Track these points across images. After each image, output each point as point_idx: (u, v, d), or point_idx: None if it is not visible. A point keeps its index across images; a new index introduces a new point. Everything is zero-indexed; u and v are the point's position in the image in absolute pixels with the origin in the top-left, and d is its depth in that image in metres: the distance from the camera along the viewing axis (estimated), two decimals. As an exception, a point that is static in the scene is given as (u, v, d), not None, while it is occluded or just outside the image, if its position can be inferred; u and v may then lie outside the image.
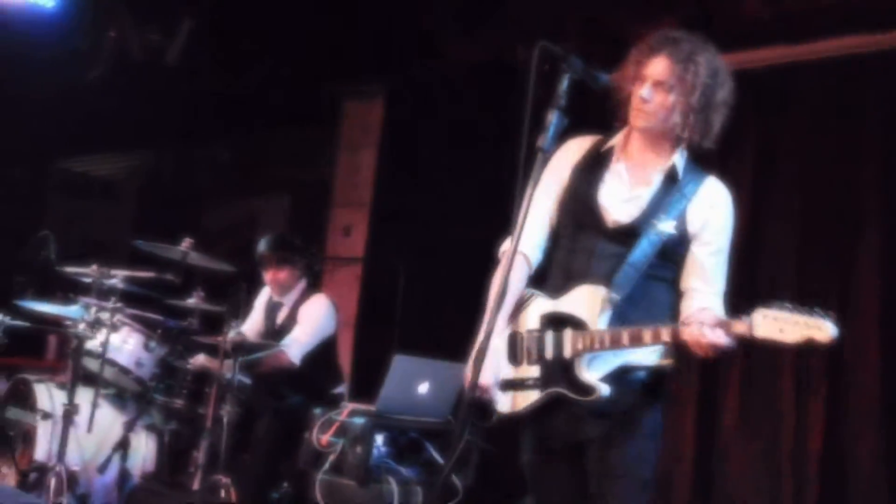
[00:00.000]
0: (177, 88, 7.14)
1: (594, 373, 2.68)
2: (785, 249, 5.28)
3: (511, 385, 2.82)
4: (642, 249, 2.69)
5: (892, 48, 4.93)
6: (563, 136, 2.69)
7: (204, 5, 6.55)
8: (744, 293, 5.21)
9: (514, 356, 2.83)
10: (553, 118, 2.59)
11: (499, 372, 2.82)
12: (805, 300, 5.08)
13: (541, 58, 2.58)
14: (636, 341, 2.61)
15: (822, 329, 2.38)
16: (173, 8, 6.56)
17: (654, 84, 2.70)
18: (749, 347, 5.18)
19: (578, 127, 2.85)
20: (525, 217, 2.58)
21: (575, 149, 2.92)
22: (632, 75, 2.75)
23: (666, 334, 2.57)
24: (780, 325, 2.41)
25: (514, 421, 2.86)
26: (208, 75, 7.07)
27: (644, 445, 2.76)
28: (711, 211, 2.76)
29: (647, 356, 2.74)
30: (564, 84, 2.62)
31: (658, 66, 2.71)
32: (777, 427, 5.14)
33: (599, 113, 2.89)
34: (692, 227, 2.73)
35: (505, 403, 2.82)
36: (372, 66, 6.77)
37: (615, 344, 2.64)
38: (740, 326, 2.47)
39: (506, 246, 2.64)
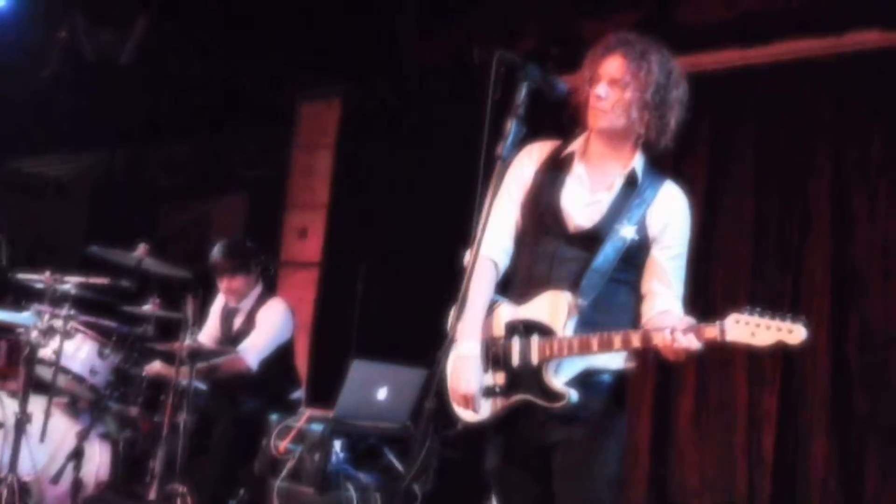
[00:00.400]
0: (131, 88, 7.06)
1: (561, 377, 2.69)
2: (738, 252, 5.35)
3: (478, 393, 2.80)
4: (605, 255, 2.70)
5: (844, 51, 5.01)
6: (521, 144, 2.68)
7: (159, 5, 6.49)
8: (699, 295, 5.33)
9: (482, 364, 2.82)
10: (512, 127, 2.59)
11: (479, 380, 2.79)
12: (757, 302, 5.19)
13: (498, 66, 2.57)
14: (606, 347, 2.62)
15: (794, 332, 2.42)
16: (127, 7, 6.50)
17: (610, 82, 2.73)
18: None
19: (536, 135, 2.88)
20: (486, 224, 2.58)
21: (536, 153, 2.92)
22: (587, 77, 2.77)
23: (636, 340, 2.58)
24: (751, 329, 2.44)
25: (479, 429, 2.85)
26: (164, 75, 7.00)
27: (609, 447, 2.77)
28: (671, 215, 2.78)
29: (612, 360, 2.75)
30: (523, 93, 2.62)
31: (612, 65, 2.74)
32: (731, 424, 5.20)
33: (557, 120, 2.89)
34: (652, 232, 2.75)
35: (468, 411, 2.81)
36: (329, 68, 6.75)
37: (584, 350, 2.64)
38: (712, 331, 2.48)
39: (469, 255, 2.62)
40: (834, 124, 5.12)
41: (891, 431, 4.68)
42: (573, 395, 2.66)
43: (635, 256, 2.75)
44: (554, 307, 2.72)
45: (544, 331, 2.72)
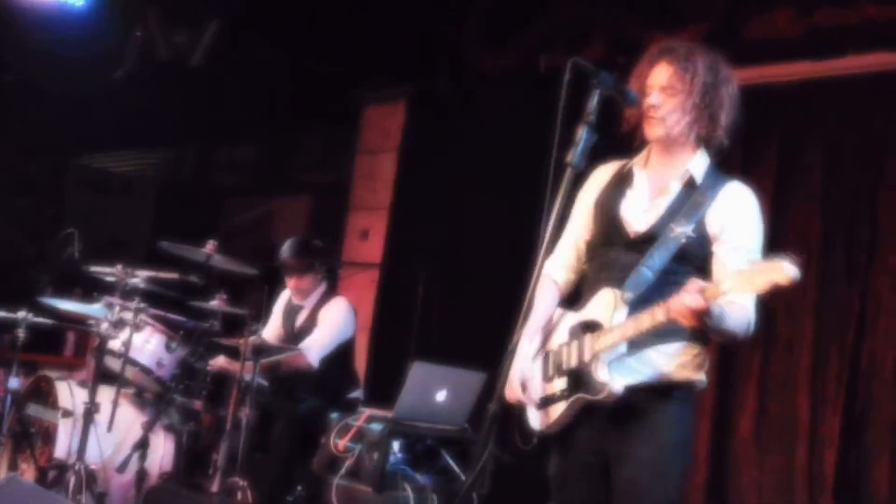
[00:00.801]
0: (200, 88, 7.16)
1: (619, 378, 2.67)
2: (804, 268, 5.26)
3: (544, 402, 2.84)
4: (658, 252, 2.70)
5: None
6: (591, 150, 2.65)
7: (230, 8, 6.58)
8: (761, 313, 5.26)
9: (546, 373, 2.85)
10: (583, 133, 2.59)
11: (535, 391, 2.84)
12: (822, 322, 5.11)
13: (571, 72, 2.58)
14: (639, 327, 2.61)
15: (780, 269, 2.36)
16: (200, 10, 6.59)
17: (661, 90, 2.75)
18: (765, 361, 5.27)
19: (608, 143, 2.89)
20: (553, 234, 2.59)
21: (602, 175, 2.97)
22: (639, 90, 2.78)
23: (660, 313, 2.55)
24: (746, 277, 2.41)
25: (548, 437, 2.86)
26: (232, 77, 7.09)
27: (667, 461, 2.73)
28: (731, 211, 2.75)
29: (679, 370, 2.74)
30: (594, 100, 2.62)
31: (660, 74, 2.77)
32: (792, 441, 5.14)
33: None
34: (711, 230, 2.73)
35: (539, 420, 2.84)
36: (394, 72, 6.78)
37: (623, 335, 2.64)
38: (712, 287, 2.46)
39: (538, 264, 2.64)
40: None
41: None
42: (616, 385, 2.64)
43: (693, 255, 2.72)
44: (604, 303, 2.75)
45: (595, 327, 2.74)
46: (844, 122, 5.23)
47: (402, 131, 7.05)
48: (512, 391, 2.81)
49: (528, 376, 2.83)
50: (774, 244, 5.17)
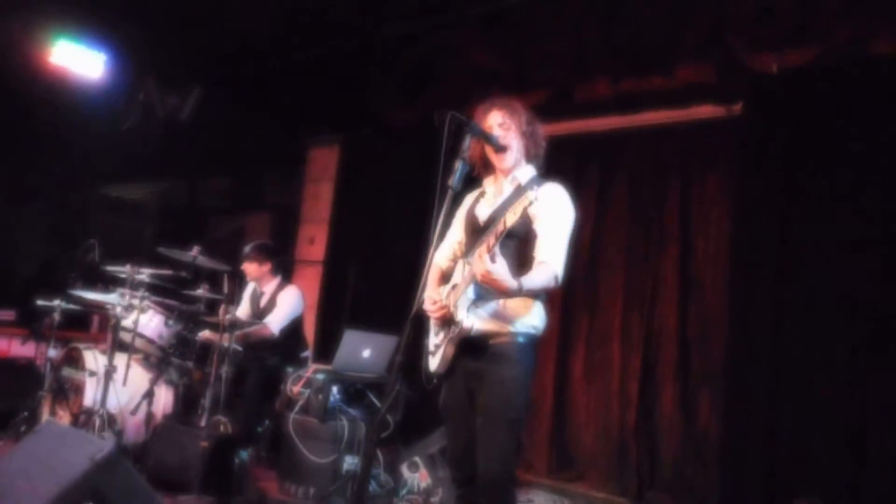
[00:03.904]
0: (189, 137, 7.03)
1: (472, 318, 2.65)
2: (615, 260, 5.40)
3: (435, 350, 2.84)
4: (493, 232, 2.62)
5: (690, 120, 5.05)
6: (466, 177, 2.69)
7: (210, 78, 6.48)
8: (589, 292, 5.40)
9: (435, 329, 2.85)
10: (459, 165, 2.63)
11: (430, 343, 2.83)
12: (629, 294, 5.23)
13: (450, 123, 2.63)
14: (467, 281, 2.62)
15: (477, 261, 2.44)
16: (187, 79, 6.47)
17: (499, 126, 2.81)
18: (591, 322, 5.40)
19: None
20: (439, 236, 2.61)
21: (469, 198, 3.00)
22: (480, 135, 2.77)
23: (475, 275, 2.52)
24: (481, 262, 2.44)
25: (440, 377, 2.84)
26: (213, 128, 6.98)
27: (512, 390, 2.68)
28: (545, 200, 2.64)
29: (519, 320, 2.70)
30: (467, 141, 2.68)
31: (494, 117, 2.83)
32: (609, 376, 5.27)
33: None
34: (531, 211, 2.59)
35: (433, 365, 2.83)
36: (331, 124, 6.75)
37: (465, 286, 2.63)
38: (476, 258, 2.49)
39: (429, 258, 2.66)
40: (680, 168, 5.18)
41: (711, 379, 4.78)
42: (468, 322, 2.63)
43: (517, 232, 2.64)
44: (459, 270, 2.78)
45: (455, 287, 2.74)
46: (641, 156, 5.36)
47: (336, 166, 7.02)
48: (429, 302, 2.75)
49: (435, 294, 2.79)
50: (598, 241, 5.36)
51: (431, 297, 2.77)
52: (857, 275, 4.17)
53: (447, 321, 2.73)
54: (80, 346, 4.87)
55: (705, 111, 4.94)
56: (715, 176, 4.97)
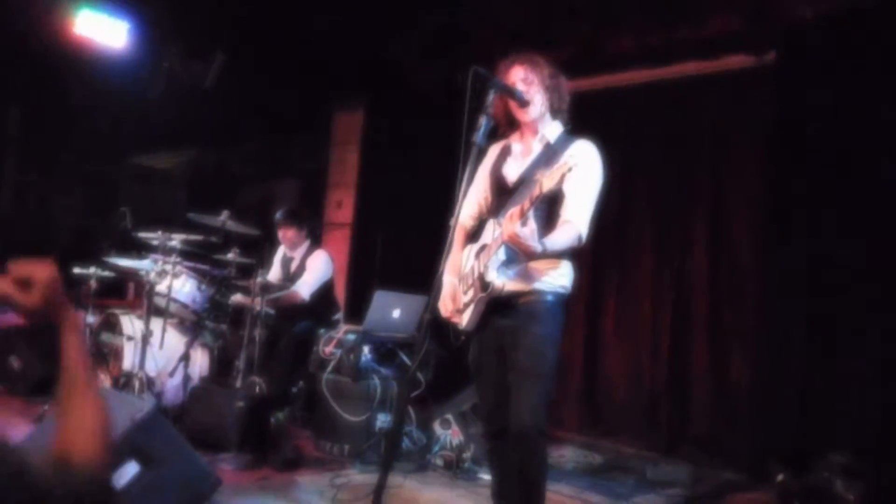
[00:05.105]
0: (215, 104, 7.04)
1: (503, 279, 2.66)
2: (645, 216, 5.35)
3: (464, 308, 2.84)
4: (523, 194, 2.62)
5: (721, 71, 4.92)
6: (490, 133, 2.65)
7: (234, 45, 6.46)
8: (618, 248, 5.37)
9: (463, 288, 2.85)
10: (483, 121, 2.59)
11: (459, 302, 2.84)
12: (657, 245, 5.18)
13: (473, 78, 2.59)
14: (498, 242, 2.61)
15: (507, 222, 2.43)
16: (211, 45, 6.46)
17: (521, 82, 2.76)
18: (621, 280, 5.37)
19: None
20: (464, 195, 2.59)
21: (493, 151, 2.96)
22: (503, 92, 2.73)
23: (503, 236, 2.51)
24: (511, 224, 2.43)
25: (469, 334, 2.86)
26: (239, 95, 6.99)
27: (543, 347, 2.69)
28: (578, 160, 2.53)
29: (548, 279, 2.71)
30: (490, 97, 2.63)
31: (517, 73, 2.78)
32: (639, 333, 5.26)
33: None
34: (565, 175, 2.51)
35: (462, 323, 2.84)
36: (356, 88, 6.72)
37: (496, 246, 2.63)
38: (506, 219, 2.49)
39: (454, 217, 2.65)
40: (711, 121, 5.05)
41: (743, 336, 4.73)
42: (498, 282, 2.64)
43: (551, 193, 2.56)
44: (489, 231, 2.78)
45: (484, 247, 2.75)
46: (670, 110, 5.26)
47: (362, 130, 7.01)
48: (443, 306, 2.86)
49: (448, 297, 2.85)
50: (627, 197, 5.30)
51: (444, 299, 2.81)
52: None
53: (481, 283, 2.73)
54: (118, 311, 4.97)
55: (737, 62, 4.82)
56: (747, 129, 4.87)
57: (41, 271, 1.24)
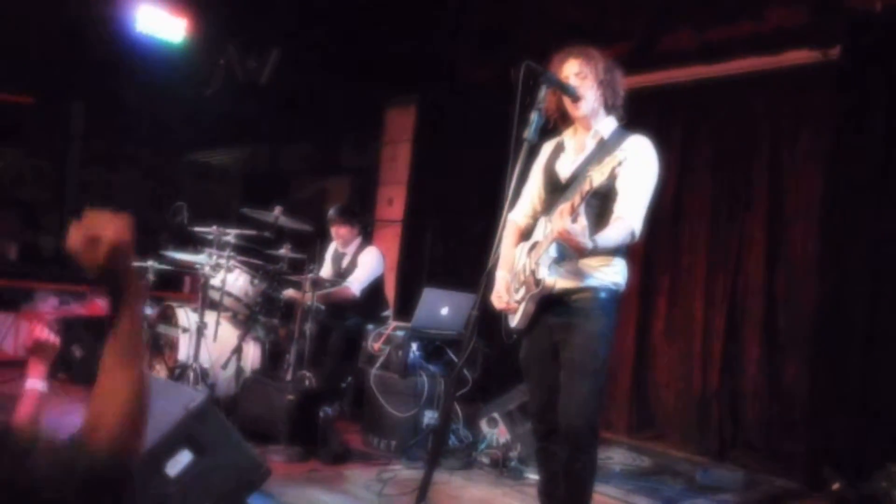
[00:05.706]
0: (269, 102, 7.15)
1: (555, 277, 2.64)
2: (699, 216, 5.26)
3: (515, 306, 2.82)
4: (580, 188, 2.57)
5: (782, 67, 4.80)
6: (541, 130, 2.62)
7: (288, 41, 6.54)
8: (672, 243, 5.29)
9: (515, 285, 2.82)
10: (534, 117, 2.55)
11: (510, 299, 2.80)
12: (712, 252, 5.08)
13: (525, 73, 2.55)
14: (549, 239, 2.59)
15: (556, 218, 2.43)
16: (266, 42, 6.55)
17: (575, 76, 2.70)
18: (672, 281, 5.29)
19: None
20: (515, 191, 2.57)
21: (547, 147, 2.92)
22: (556, 84, 2.68)
23: (553, 233, 2.49)
24: (561, 219, 2.41)
25: (520, 333, 2.84)
26: (293, 92, 7.08)
27: (595, 346, 2.65)
28: (629, 154, 2.45)
29: (600, 277, 2.67)
30: (542, 92, 2.59)
31: (571, 66, 2.72)
32: (691, 335, 5.17)
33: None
34: (618, 170, 2.46)
35: (513, 321, 2.82)
36: (407, 84, 6.74)
37: (547, 243, 2.60)
38: (556, 216, 2.48)
39: (504, 213, 2.63)
40: (771, 119, 4.94)
41: (799, 341, 4.61)
42: (549, 279, 2.61)
43: (604, 189, 2.54)
44: (541, 228, 2.76)
45: (536, 245, 2.72)
46: (728, 108, 5.16)
47: (413, 127, 7.03)
48: (496, 301, 2.82)
49: (503, 290, 2.80)
50: (681, 196, 5.22)
51: (498, 291, 2.77)
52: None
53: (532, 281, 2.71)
54: (174, 304, 5.09)
55: (799, 57, 4.68)
56: (808, 128, 4.75)
57: (111, 231, 1.17)
